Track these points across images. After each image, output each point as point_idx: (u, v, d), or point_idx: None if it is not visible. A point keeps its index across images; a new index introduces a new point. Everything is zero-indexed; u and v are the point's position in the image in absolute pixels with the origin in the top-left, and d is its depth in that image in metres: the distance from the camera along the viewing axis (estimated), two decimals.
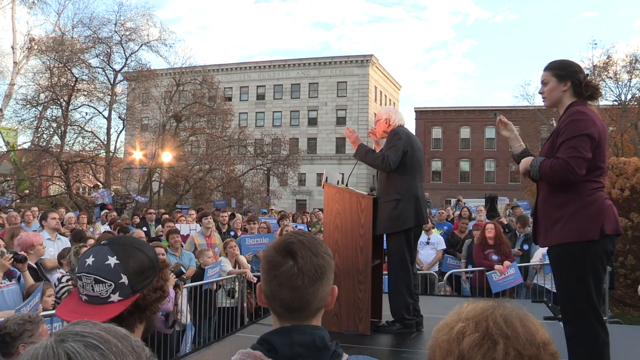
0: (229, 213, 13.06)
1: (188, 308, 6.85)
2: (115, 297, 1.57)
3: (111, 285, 1.56)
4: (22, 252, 5.39)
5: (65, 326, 0.95)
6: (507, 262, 8.00)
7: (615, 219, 3.31)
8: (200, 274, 7.28)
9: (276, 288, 1.52)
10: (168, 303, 6.08)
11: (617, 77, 30.12)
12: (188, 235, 9.18)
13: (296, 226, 11.63)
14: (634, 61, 29.88)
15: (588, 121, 3.27)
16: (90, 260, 1.59)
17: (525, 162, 3.50)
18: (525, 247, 9.09)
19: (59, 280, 5.34)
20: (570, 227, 3.26)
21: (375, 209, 5.04)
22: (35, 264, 5.73)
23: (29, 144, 26.70)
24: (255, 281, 7.58)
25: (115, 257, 1.59)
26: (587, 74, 3.54)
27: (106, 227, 10.73)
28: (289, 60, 56.27)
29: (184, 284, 6.13)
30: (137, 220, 12.96)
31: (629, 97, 31.00)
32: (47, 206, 19.25)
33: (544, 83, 3.53)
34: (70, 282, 5.24)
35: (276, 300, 1.54)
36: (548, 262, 4.22)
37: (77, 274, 1.62)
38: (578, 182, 3.27)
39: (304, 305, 1.53)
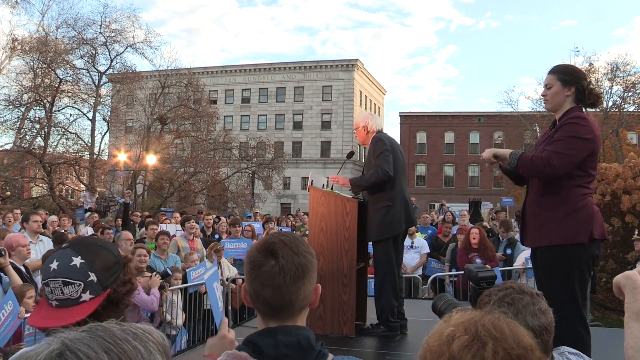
0: (214, 216, 13.02)
1: (182, 313, 6.80)
2: (86, 296, 1.56)
3: (80, 284, 1.55)
4: (1, 247, 5.31)
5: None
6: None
7: (602, 225, 3.40)
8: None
9: (259, 287, 1.54)
10: (154, 304, 6.04)
11: (599, 84, 30.42)
12: (174, 236, 9.12)
13: (281, 229, 11.63)
14: (614, 69, 30.32)
15: (587, 127, 3.33)
16: (54, 265, 1.57)
17: (504, 150, 3.59)
18: (508, 251, 9.17)
19: None
20: (561, 230, 3.31)
21: (361, 212, 5.07)
22: (22, 266, 5.66)
23: (11, 145, 26.37)
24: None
25: (79, 257, 1.58)
26: (590, 82, 3.57)
27: (90, 230, 10.61)
28: (275, 63, 56.06)
29: (170, 286, 6.10)
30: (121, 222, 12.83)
31: (610, 104, 31.44)
32: (29, 208, 19.04)
33: (547, 86, 3.52)
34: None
35: (259, 300, 1.56)
36: (531, 265, 4.26)
37: (43, 281, 1.59)
38: (570, 187, 3.32)
39: (287, 304, 1.55)
